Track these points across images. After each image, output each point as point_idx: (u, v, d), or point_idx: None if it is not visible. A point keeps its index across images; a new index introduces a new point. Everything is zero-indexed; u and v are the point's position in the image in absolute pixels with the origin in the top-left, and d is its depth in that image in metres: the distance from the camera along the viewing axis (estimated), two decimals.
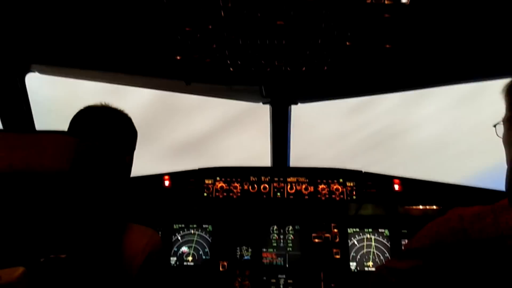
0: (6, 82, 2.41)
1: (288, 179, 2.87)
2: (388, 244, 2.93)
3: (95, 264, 1.14)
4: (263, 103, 3.02)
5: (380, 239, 2.95)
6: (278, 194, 2.83)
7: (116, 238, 1.26)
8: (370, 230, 2.97)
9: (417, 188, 2.82)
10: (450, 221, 1.25)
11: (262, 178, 2.88)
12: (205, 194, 2.86)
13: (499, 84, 1.37)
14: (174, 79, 2.44)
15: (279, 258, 2.90)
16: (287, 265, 2.87)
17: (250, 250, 2.92)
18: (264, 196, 2.84)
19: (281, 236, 2.96)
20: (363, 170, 2.88)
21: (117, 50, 2.22)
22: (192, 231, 3.02)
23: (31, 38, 2.14)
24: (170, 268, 2.90)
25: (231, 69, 2.30)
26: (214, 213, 3.04)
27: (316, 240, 2.91)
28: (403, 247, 1.50)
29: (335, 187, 2.81)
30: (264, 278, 2.83)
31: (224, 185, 2.86)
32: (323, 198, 2.80)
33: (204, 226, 3.03)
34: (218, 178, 2.89)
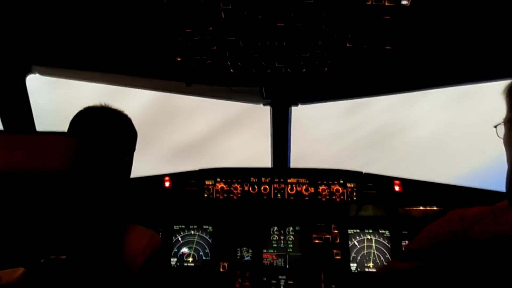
0: (7, 83, 2.42)
1: (289, 180, 2.87)
2: (389, 245, 2.93)
3: (96, 265, 1.14)
4: (264, 104, 3.02)
5: (381, 240, 2.95)
6: (279, 195, 2.83)
7: (117, 238, 1.26)
8: (370, 231, 2.97)
9: (418, 189, 2.82)
10: (450, 222, 1.25)
11: (263, 179, 2.88)
12: (205, 195, 2.86)
13: (494, 84, 1.37)
14: (174, 80, 2.44)
15: (280, 259, 2.90)
16: (287, 266, 2.87)
17: (250, 251, 2.92)
18: (265, 197, 2.84)
19: (282, 237, 2.96)
20: (363, 171, 2.88)
21: (118, 52, 2.23)
22: (193, 232, 3.03)
23: (32, 40, 2.15)
24: (171, 269, 2.90)
25: (231, 70, 2.30)
26: (215, 214, 3.04)
27: (317, 241, 2.91)
28: (403, 248, 1.50)
29: (335, 188, 2.81)
30: (265, 279, 2.83)
31: (224, 186, 2.87)
32: (323, 199, 2.80)
33: (204, 227, 3.03)
34: (218, 179, 2.89)
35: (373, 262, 2.89)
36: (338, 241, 2.90)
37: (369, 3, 1.69)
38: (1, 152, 1.12)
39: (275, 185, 2.86)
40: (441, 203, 2.77)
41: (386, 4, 1.70)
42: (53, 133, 1.21)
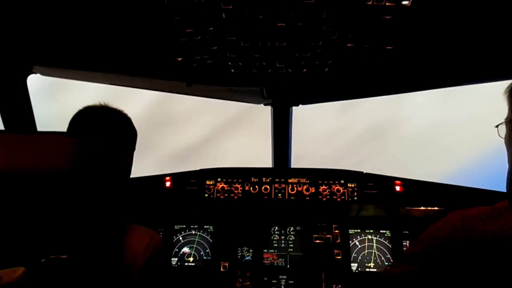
0: (8, 83, 2.43)
1: (289, 180, 2.87)
2: (390, 245, 2.93)
3: (96, 265, 1.14)
4: (264, 104, 3.02)
5: (382, 240, 2.95)
6: (279, 195, 2.84)
7: (117, 238, 1.26)
8: (371, 231, 2.97)
9: (418, 189, 2.82)
10: (450, 223, 1.25)
11: (263, 179, 2.88)
12: (206, 195, 2.86)
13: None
14: (175, 80, 2.44)
15: (280, 259, 2.90)
16: (288, 266, 2.87)
17: (251, 250, 2.92)
18: (265, 197, 2.84)
19: (282, 237, 2.97)
20: (363, 171, 2.88)
21: (118, 52, 2.23)
22: (193, 232, 3.03)
23: (33, 40, 2.15)
24: (171, 269, 2.91)
25: (232, 70, 2.30)
26: (215, 214, 3.04)
27: (317, 241, 2.91)
28: (404, 251, 1.49)
29: (336, 188, 2.81)
30: (265, 278, 2.83)
31: (225, 186, 2.87)
32: (324, 199, 2.80)
33: (205, 226, 3.04)
34: (219, 179, 2.89)
35: (373, 262, 2.89)
36: (339, 241, 2.91)
37: (370, 3, 1.69)
38: (2, 152, 1.12)
39: (276, 185, 2.86)
40: (442, 203, 2.76)
41: (387, 4, 1.70)
42: (54, 133, 1.21)
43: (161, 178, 2.94)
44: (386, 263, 2.89)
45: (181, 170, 2.97)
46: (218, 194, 2.86)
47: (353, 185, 2.82)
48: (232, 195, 2.85)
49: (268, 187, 2.85)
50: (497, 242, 1.12)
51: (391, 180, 2.83)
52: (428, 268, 1.25)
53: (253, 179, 2.88)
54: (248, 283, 2.81)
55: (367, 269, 2.88)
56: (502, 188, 1.31)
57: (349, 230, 2.97)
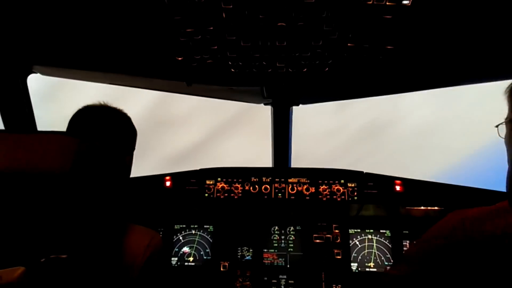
0: (8, 83, 2.42)
1: (289, 180, 2.87)
2: (390, 245, 2.93)
3: (96, 265, 1.14)
4: (265, 104, 3.02)
5: (382, 239, 2.95)
6: (279, 194, 2.84)
7: (117, 238, 1.26)
8: (371, 230, 2.97)
9: (418, 189, 2.81)
10: (450, 223, 1.25)
11: (263, 178, 2.88)
12: (206, 195, 2.86)
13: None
14: (175, 80, 2.44)
15: (280, 259, 2.90)
16: (288, 266, 2.87)
17: (251, 250, 2.92)
18: (265, 197, 2.84)
19: (282, 237, 2.97)
20: (364, 170, 2.88)
21: (119, 51, 2.23)
22: (193, 232, 3.03)
23: (33, 40, 2.15)
24: (171, 268, 2.91)
25: (232, 70, 2.30)
26: (215, 213, 3.04)
27: (317, 241, 2.91)
28: (404, 252, 1.49)
29: (336, 188, 2.81)
30: (265, 278, 2.83)
31: (225, 185, 2.87)
32: (324, 199, 2.80)
33: (205, 226, 3.04)
34: (219, 179, 2.89)
35: (373, 262, 2.89)
36: (339, 240, 2.91)
37: (370, 2, 1.69)
38: (2, 152, 1.12)
39: (276, 185, 2.86)
40: (442, 203, 2.76)
41: (387, 3, 1.70)
42: (54, 132, 1.21)
43: (161, 177, 2.94)
44: (386, 263, 2.89)
45: (181, 170, 2.97)
46: (218, 194, 2.86)
47: (353, 185, 2.82)
48: (232, 194, 2.85)
49: (268, 186, 2.85)
50: (497, 242, 1.12)
51: (391, 180, 2.83)
52: (429, 269, 1.25)
53: (253, 179, 2.88)
54: (248, 282, 2.81)
55: (367, 269, 2.88)
56: (497, 186, 1.31)
57: (349, 230, 2.97)
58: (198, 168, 2.96)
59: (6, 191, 1.08)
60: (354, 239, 2.96)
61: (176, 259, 2.96)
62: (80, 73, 2.52)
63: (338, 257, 2.86)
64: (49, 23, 1.99)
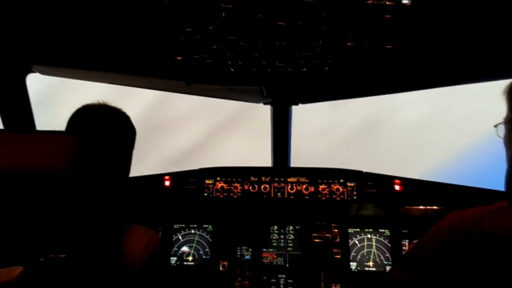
0: (8, 82, 2.42)
1: (289, 179, 2.87)
2: (389, 244, 2.93)
3: (95, 264, 1.14)
4: (264, 103, 3.02)
5: (381, 239, 2.95)
6: (279, 194, 2.84)
7: (116, 238, 1.26)
8: (370, 230, 2.97)
9: (418, 188, 2.82)
10: (450, 223, 1.25)
11: (263, 178, 2.88)
12: (205, 194, 2.86)
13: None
14: (174, 79, 2.44)
15: (280, 258, 2.90)
16: (287, 265, 2.88)
17: (250, 250, 2.92)
18: (265, 196, 2.84)
19: (282, 236, 2.97)
20: (363, 170, 2.88)
21: (118, 51, 2.22)
22: (193, 231, 3.03)
23: (32, 39, 2.15)
24: (171, 268, 2.91)
25: (232, 69, 2.30)
26: (215, 213, 3.04)
27: (317, 240, 2.92)
28: (404, 254, 1.49)
29: (335, 187, 2.82)
30: (264, 278, 2.83)
31: (224, 185, 2.87)
32: (323, 198, 2.80)
33: (204, 226, 3.04)
34: (218, 178, 2.89)
35: (373, 261, 2.90)
36: (338, 240, 2.91)
37: (370, 2, 1.69)
38: (1, 151, 1.12)
39: (275, 184, 2.86)
40: (441, 202, 2.76)
41: (387, 3, 1.70)
42: (53, 132, 1.21)
43: (160, 177, 2.94)
44: (385, 262, 2.89)
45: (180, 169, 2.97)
46: (218, 193, 2.86)
47: (352, 184, 2.82)
48: (232, 194, 2.85)
49: (267, 186, 2.85)
50: (497, 242, 1.12)
51: (390, 179, 2.83)
52: (429, 270, 1.24)
53: (252, 178, 2.88)
54: (247, 282, 2.81)
55: (366, 268, 2.88)
56: (494, 185, 1.31)
57: (349, 229, 2.97)
58: (197, 168, 2.96)
59: (5, 191, 1.07)
60: (354, 238, 2.96)
61: (175, 258, 2.96)
62: (80, 73, 2.52)
63: (337, 256, 2.86)
64: (48, 22, 1.98)
